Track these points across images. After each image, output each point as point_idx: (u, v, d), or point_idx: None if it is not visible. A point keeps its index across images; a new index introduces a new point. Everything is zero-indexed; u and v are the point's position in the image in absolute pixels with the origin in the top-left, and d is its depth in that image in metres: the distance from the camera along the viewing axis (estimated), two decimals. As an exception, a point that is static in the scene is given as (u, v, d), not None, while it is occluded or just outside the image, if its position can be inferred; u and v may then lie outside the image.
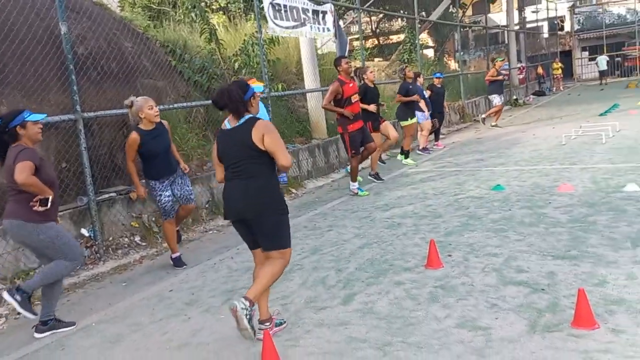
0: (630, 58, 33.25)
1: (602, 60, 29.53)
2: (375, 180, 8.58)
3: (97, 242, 5.73)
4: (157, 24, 10.33)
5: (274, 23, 8.52)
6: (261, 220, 3.45)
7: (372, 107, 8.27)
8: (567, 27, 37.41)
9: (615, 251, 4.41)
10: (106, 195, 6.03)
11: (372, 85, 8.51)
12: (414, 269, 4.55)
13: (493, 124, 14.58)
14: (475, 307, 3.67)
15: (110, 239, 5.95)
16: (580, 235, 4.89)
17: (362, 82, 8.42)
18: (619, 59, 33.74)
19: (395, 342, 3.33)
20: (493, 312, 3.57)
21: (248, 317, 3.30)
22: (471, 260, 4.59)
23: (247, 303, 3.33)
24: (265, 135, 3.36)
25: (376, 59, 21.66)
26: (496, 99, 14.36)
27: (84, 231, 5.66)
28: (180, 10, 11.10)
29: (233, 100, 3.38)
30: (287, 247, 3.56)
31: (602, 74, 29.50)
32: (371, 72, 8.61)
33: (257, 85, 3.65)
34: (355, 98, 7.64)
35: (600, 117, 14.05)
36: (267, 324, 3.63)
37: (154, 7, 11.87)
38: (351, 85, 7.61)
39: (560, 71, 28.63)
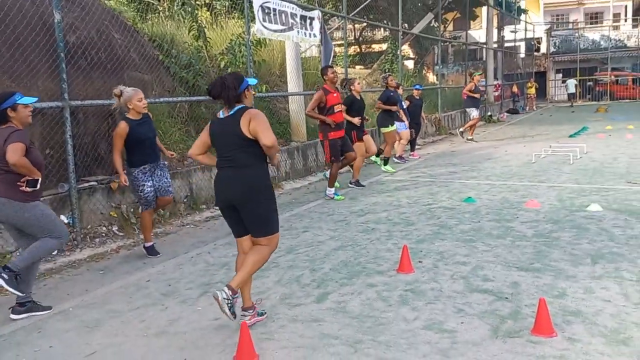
0: (602, 83, 34.34)
1: (571, 84, 30.59)
2: (355, 187, 8.76)
3: (75, 229, 5.78)
4: (142, 16, 10.37)
5: (263, 25, 8.66)
6: (250, 207, 3.59)
7: (356, 121, 8.39)
8: (543, 48, 38.40)
9: (576, 266, 4.67)
10: (87, 184, 6.09)
11: (359, 97, 8.65)
12: (386, 273, 4.74)
13: (469, 137, 14.95)
14: (442, 311, 3.87)
15: (89, 227, 6.01)
16: (544, 250, 5.16)
17: (350, 92, 8.57)
18: (590, 83, 34.80)
19: (365, 340, 3.50)
20: (459, 316, 3.78)
21: (229, 305, 3.48)
22: (441, 267, 4.80)
23: (230, 292, 3.51)
24: (252, 119, 3.49)
25: (357, 67, 21.94)
26: (474, 112, 14.73)
27: (63, 218, 5.71)
28: (166, 3, 11.16)
29: (227, 89, 3.52)
30: (275, 232, 3.72)
31: (570, 97, 30.49)
32: (358, 83, 8.78)
33: (251, 79, 3.80)
34: (339, 108, 7.82)
35: (570, 138, 14.54)
36: (250, 311, 3.78)
37: (141, -2, 11.87)
38: (335, 95, 7.80)
39: (534, 91, 29.38)
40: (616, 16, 42.56)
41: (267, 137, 3.48)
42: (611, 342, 3.31)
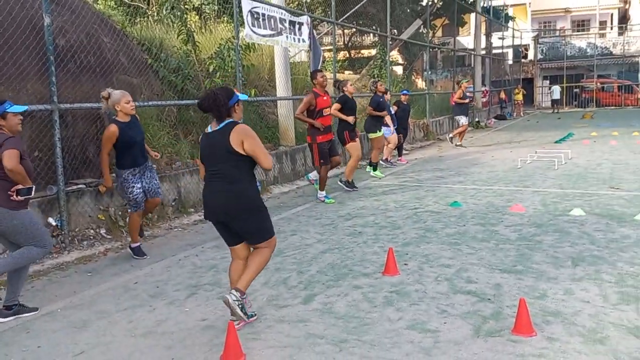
0: (588, 90, 34.78)
1: (556, 90, 30.96)
2: (348, 189, 8.84)
3: (63, 232, 5.80)
4: (131, 20, 10.41)
5: (252, 30, 8.74)
6: (241, 222, 3.69)
7: (350, 119, 8.51)
8: (530, 55, 38.80)
9: (557, 269, 4.78)
10: (75, 187, 6.11)
11: (351, 97, 8.77)
12: (371, 275, 4.81)
13: (458, 143, 15.10)
14: (426, 312, 3.95)
15: (77, 229, 6.03)
16: (527, 253, 5.26)
17: (342, 93, 8.68)
18: (577, 90, 35.23)
19: (350, 339, 3.57)
20: (442, 317, 3.86)
21: (240, 306, 3.61)
22: (425, 270, 4.89)
23: (238, 294, 3.62)
24: (245, 140, 3.58)
25: (347, 72, 22.05)
26: (462, 119, 14.89)
27: (51, 220, 5.73)
28: (154, 7, 11.19)
29: (217, 104, 3.59)
30: (272, 236, 3.82)
31: (555, 103, 30.88)
32: (351, 84, 8.93)
33: (242, 94, 3.88)
34: (327, 111, 7.92)
35: (556, 144, 14.74)
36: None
37: (128, 1, 11.92)
38: (325, 98, 7.90)
39: (521, 97, 29.68)
40: (602, 24, 43.15)
41: (266, 161, 3.62)
42: (588, 341, 3.40)
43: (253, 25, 8.75)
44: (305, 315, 4.00)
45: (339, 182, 8.96)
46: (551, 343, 3.40)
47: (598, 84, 34.57)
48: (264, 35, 9.14)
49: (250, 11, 8.66)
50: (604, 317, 3.75)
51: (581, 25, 44.13)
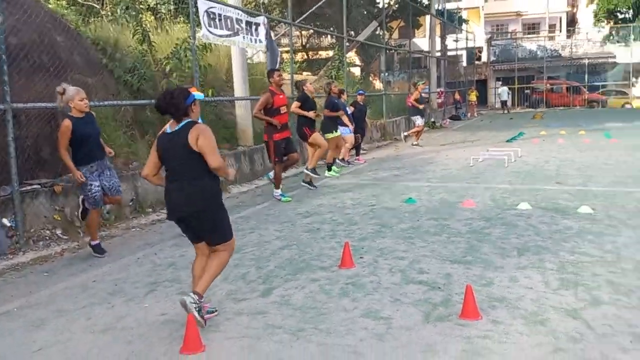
0: (538, 91, 36.01)
1: (504, 92, 31.96)
2: (312, 175, 9.05)
3: (18, 233, 5.73)
4: (84, 19, 10.28)
5: (208, 31, 8.78)
6: (202, 219, 3.75)
7: (311, 114, 8.78)
8: (484, 57, 39.87)
9: (503, 258, 5.03)
10: (30, 187, 6.04)
11: (311, 97, 9.01)
12: (328, 269, 4.96)
13: (415, 143, 15.45)
14: (379, 301, 4.12)
15: (32, 230, 5.97)
16: (476, 244, 5.51)
17: (302, 92, 8.91)
18: (528, 91, 36.43)
19: (307, 328, 3.70)
20: (395, 305, 4.03)
21: (197, 309, 3.61)
22: (380, 262, 5.06)
23: (196, 297, 3.65)
24: (199, 136, 3.64)
25: (305, 73, 22.20)
26: (418, 120, 15.28)
27: (5, 221, 5.66)
28: (109, 7, 11.08)
29: (174, 104, 3.64)
30: (230, 238, 3.90)
31: (504, 104, 31.88)
32: (310, 83, 9.23)
33: (198, 93, 3.94)
34: (284, 109, 8.04)
35: (507, 143, 15.25)
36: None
37: (81, 1, 11.74)
38: (281, 96, 8.01)
39: (475, 98, 30.49)
40: (552, 27, 44.74)
41: (214, 160, 3.63)
42: (530, 323, 3.63)
43: (209, 25, 8.80)
44: (263, 307, 4.11)
45: (305, 170, 9.11)
46: (495, 326, 3.62)
47: (548, 85, 35.85)
48: (220, 36, 9.20)
49: (206, 11, 8.70)
50: (545, 301, 3.99)
51: (532, 28, 45.66)
